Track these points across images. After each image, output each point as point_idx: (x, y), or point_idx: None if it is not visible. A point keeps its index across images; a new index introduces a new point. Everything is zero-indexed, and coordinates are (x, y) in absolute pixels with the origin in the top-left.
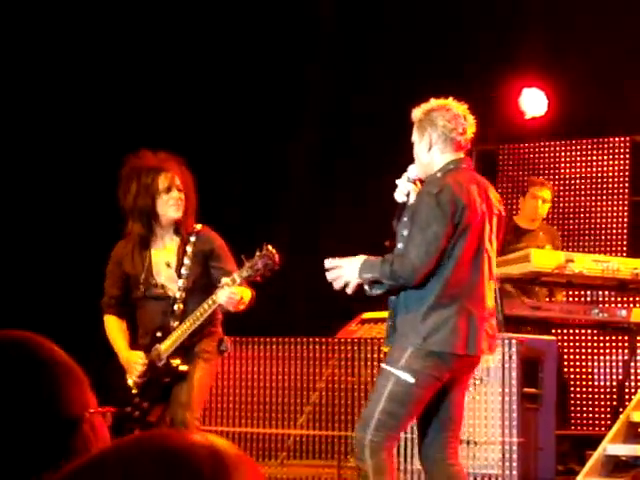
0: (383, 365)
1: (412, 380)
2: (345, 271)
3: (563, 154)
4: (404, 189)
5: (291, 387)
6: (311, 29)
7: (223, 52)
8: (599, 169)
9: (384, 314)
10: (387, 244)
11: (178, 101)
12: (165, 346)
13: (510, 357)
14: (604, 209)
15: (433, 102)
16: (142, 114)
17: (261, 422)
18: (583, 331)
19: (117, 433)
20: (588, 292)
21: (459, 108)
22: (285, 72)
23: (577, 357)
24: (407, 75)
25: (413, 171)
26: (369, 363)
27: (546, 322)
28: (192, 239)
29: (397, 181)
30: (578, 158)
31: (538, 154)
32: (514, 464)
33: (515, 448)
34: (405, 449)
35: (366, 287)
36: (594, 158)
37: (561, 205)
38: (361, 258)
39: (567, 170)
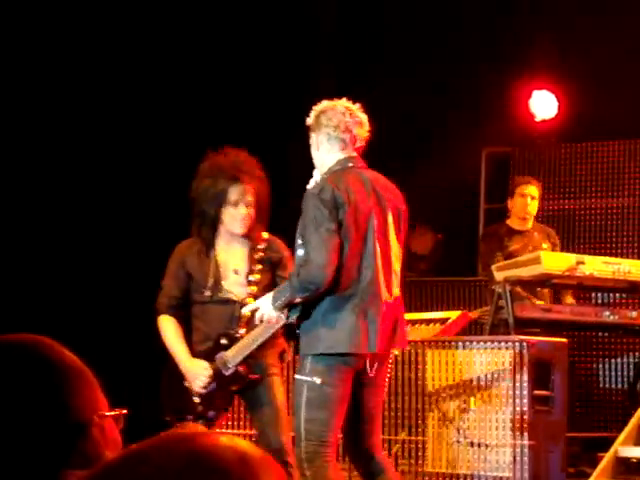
0: (295, 376)
1: (319, 381)
2: (262, 309)
3: (574, 156)
4: None
5: None
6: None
7: (230, 48)
8: (609, 171)
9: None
10: None
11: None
12: (232, 354)
13: (521, 359)
14: (615, 211)
15: (322, 104)
16: (158, 114)
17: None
18: (594, 333)
19: None
20: (599, 294)
21: (344, 106)
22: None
23: (588, 359)
24: (418, 77)
25: (317, 175)
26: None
27: (557, 324)
28: (261, 246)
29: (307, 186)
30: (589, 160)
31: (549, 156)
32: (525, 467)
33: (526, 450)
34: (417, 452)
35: (282, 316)
36: (604, 160)
37: (571, 207)
38: (267, 296)
39: (578, 172)
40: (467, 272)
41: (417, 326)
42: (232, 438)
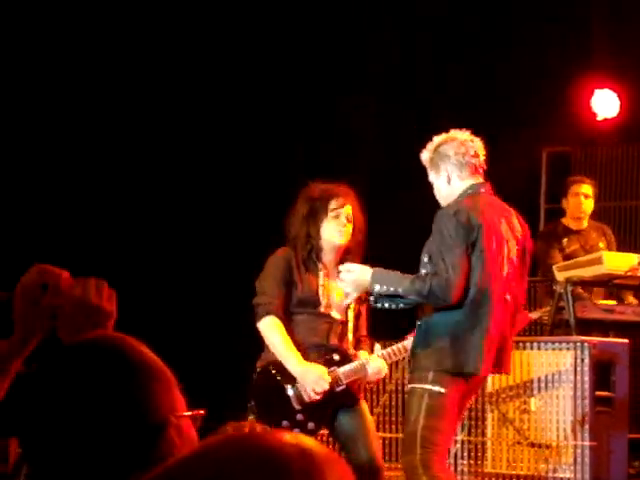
0: (412, 385)
1: (444, 390)
2: (357, 276)
3: (635, 155)
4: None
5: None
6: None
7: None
8: None
9: None
10: None
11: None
12: (345, 372)
13: (582, 360)
14: None
15: (437, 138)
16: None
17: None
18: None
19: None
20: None
21: (463, 135)
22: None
23: None
24: (481, 77)
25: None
26: None
27: (619, 325)
28: None
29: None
30: None
31: (610, 156)
32: (586, 467)
33: (587, 452)
34: (476, 452)
35: (371, 298)
36: None
37: (632, 206)
38: (369, 269)
39: (638, 171)
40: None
41: None
42: (296, 436)
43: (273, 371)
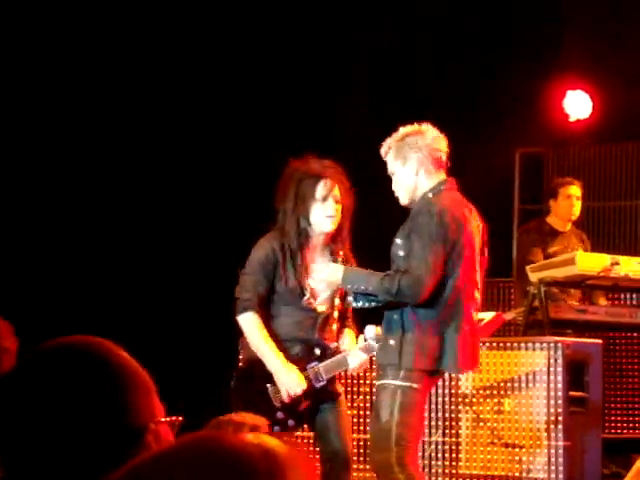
0: (383, 381)
1: (416, 385)
2: (328, 274)
3: (607, 156)
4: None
5: None
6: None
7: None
8: None
9: None
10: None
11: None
12: (326, 367)
13: (556, 360)
14: None
15: (403, 129)
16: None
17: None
18: (629, 334)
19: None
20: (634, 295)
21: (432, 129)
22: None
23: (623, 360)
24: (451, 79)
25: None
26: None
27: (592, 325)
28: (341, 258)
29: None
30: (623, 160)
31: (583, 156)
32: (560, 468)
33: (561, 452)
34: (451, 453)
35: (349, 298)
36: (639, 160)
37: (606, 207)
38: (340, 266)
39: (611, 172)
40: (502, 273)
41: None
42: (259, 436)
43: (254, 369)
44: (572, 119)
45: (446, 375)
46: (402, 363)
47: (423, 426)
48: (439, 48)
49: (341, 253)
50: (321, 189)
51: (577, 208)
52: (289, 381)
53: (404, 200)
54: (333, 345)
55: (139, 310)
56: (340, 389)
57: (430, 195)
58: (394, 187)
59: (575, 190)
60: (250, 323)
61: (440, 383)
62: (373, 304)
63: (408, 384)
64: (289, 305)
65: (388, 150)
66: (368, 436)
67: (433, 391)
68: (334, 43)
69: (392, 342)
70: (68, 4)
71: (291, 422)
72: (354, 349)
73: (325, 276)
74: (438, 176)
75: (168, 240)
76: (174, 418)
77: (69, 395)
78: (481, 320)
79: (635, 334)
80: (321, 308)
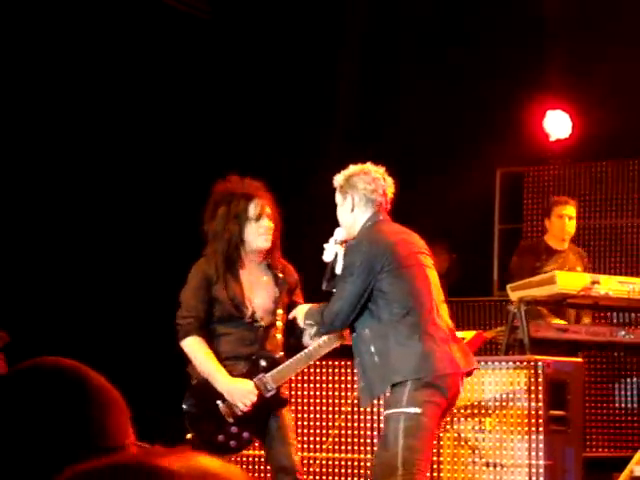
0: (387, 411)
1: (420, 410)
2: (297, 313)
3: (588, 175)
4: (332, 251)
5: (316, 411)
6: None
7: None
8: (624, 190)
9: None
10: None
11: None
12: (274, 376)
13: (536, 379)
14: (629, 230)
15: (352, 168)
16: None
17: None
18: (609, 353)
19: None
20: (614, 314)
21: (377, 172)
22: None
23: (604, 379)
24: (432, 97)
25: (340, 234)
26: None
27: (572, 344)
28: (279, 270)
29: (325, 245)
30: (603, 179)
31: (563, 176)
32: None
33: (542, 471)
34: (432, 472)
35: (310, 334)
36: (619, 179)
37: (586, 226)
38: (305, 306)
39: (592, 191)
40: (481, 292)
41: None
42: (190, 455)
43: (203, 389)
44: (552, 139)
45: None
46: (397, 387)
47: (429, 449)
48: (422, 66)
49: (279, 268)
50: (254, 208)
51: (570, 227)
52: (240, 394)
53: (345, 235)
54: (279, 355)
55: (110, 333)
56: (287, 397)
57: (362, 231)
58: (338, 218)
59: (568, 210)
60: (193, 346)
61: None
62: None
63: (411, 410)
64: (229, 323)
65: (336, 184)
66: (348, 456)
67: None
68: (317, 66)
69: (373, 374)
70: (67, 9)
71: (245, 434)
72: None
73: (298, 312)
74: (371, 214)
75: (124, 264)
76: (143, 443)
77: (44, 415)
78: (462, 339)
79: (616, 353)
80: (262, 323)
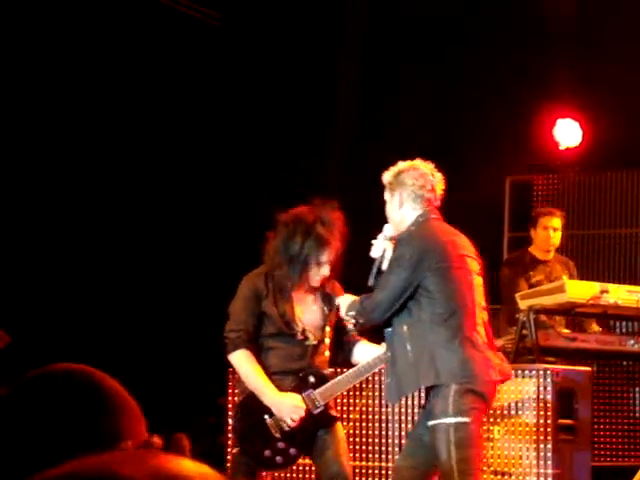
0: (434, 422)
1: (468, 419)
2: (340, 308)
3: (597, 184)
4: (380, 247)
5: None
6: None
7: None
8: (633, 199)
9: None
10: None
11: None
12: (322, 394)
13: (545, 388)
14: (637, 239)
15: (400, 164)
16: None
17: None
18: (618, 362)
19: (250, 477)
20: (623, 323)
21: (426, 167)
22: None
23: (612, 388)
24: (443, 106)
25: (389, 230)
26: None
27: (581, 353)
28: (329, 290)
29: (373, 241)
30: (612, 188)
31: (573, 184)
32: None
33: None
34: None
35: (351, 325)
36: (628, 188)
37: (595, 235)
38: (349, 297)
39: (601, 200)
40: (491, 300)
41: None
42: (165, 459)
43: (250, 403)
44: (562, 147)
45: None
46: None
47: (480, 455)
48: (430, 76)
49: (328, 288)
50: (324, 255)
51: (555, 239)
52: (288, 408)
53: (393, 231)
54: (327, 371)
55: (129, 336)
56: (336, 414)
57: (412, 228)
58: (387, 215)
59: (554, 222)
60: (242, 360)
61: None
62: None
63: (459, 419)
64: (278, 338)
65: (385, 182)
66: (357, 463)
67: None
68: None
69: (411, 360)
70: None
71: (293, 451)
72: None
73: (341, 303)
74: (421, 211)
75: (154, 268)
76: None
77: (57, 420)
78: (501, 347)
79: (624, 362)
80: (311, 341)
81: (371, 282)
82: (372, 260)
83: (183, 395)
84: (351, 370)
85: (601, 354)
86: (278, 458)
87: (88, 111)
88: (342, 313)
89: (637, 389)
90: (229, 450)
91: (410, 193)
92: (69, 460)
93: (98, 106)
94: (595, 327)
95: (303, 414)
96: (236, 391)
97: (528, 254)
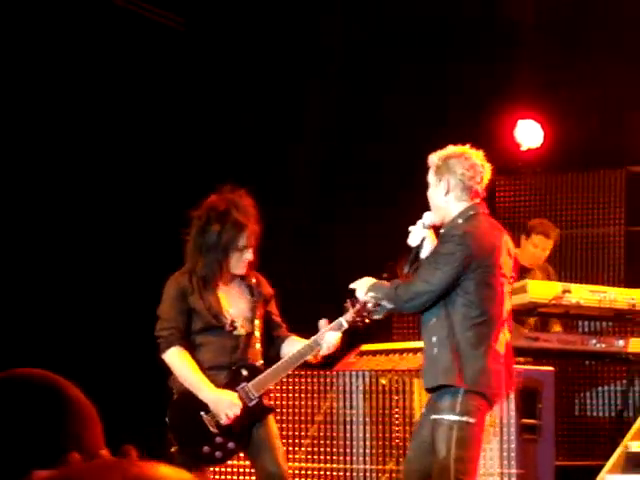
0: (438, 416)
1: (473, 420)
2: (358, 285)
3: (559, 185)
4: (419, 235)
5: (289, 420)
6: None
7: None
8: (594, 200)
9: (383, 346)
10: (385, 276)
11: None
12: (255, 385)
13: None
14: (600, 239)
15: (451, 149)
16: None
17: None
18: (581, 361)
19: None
20: (585, 322)
21: (477, 157)
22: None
23: (575, 387)
24: (403, 108)
25: (428, 218)
26: (367, 395)
27: (544, 353)
28: (254, 283)
29: (411, 227)
30: (574, 189)
31: (534, 185)
32: None
33: (514, 479)
34: None
35: (370, 307)
36: (589, 189)
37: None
38: (370, 279)
39: (563, 201)
40: None
41: (404, 355)
42: (142, 466)
43: (185, 401)
44: (523, 148)
45: (399, 403)
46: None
47: (478, 458)
48: (392, 77)
49: (253, 280)
50: (243, 239)
51: (539, 259)
52: (225, 404)
53: (435, 218)
54: (259, 363)
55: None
56: (270, 404)
57: (460, 221)
58: (429, 199)
59: (549, 245)
60: (176, 357)
61: (393, 411)
62: (380, 315)
63: (464, 419)
64: (208, 332)
65: (431, 164)
66: (321, 465)
67: (387, 419)
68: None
69: (435, 353)
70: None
71: (231, 445)
72: (323, 332)
73: (359, 284)
74: (468, 202)
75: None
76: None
77: (16, 426)
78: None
79: (587, 361)
80: (240, 331)
81: (407, 270)
82: (408, 248)
83: (138, 398)
84: (282, 360)
85: (564, 354)
86: (217, 453)
87: (46, 115)
88: (360, 293)
89: (600, 388)
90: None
91: (459, 182)
92: (28, 467)
93: (57, 110)
94: (557, 328)
95: (239, 412)
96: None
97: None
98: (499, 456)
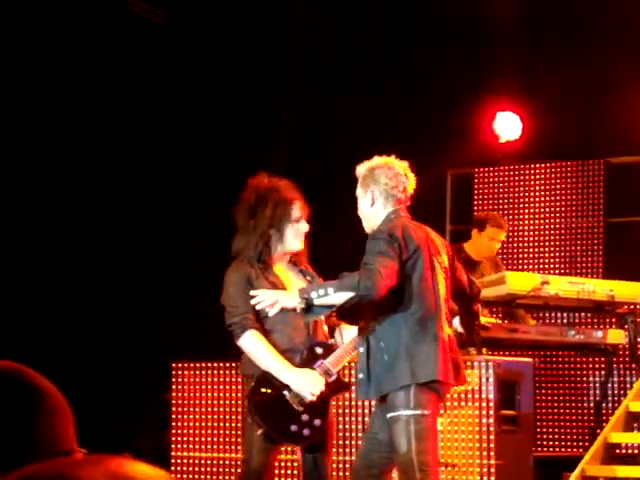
0: (394, 413)
1: (428, 412)
2: (282, 297)
3: (538, 177)
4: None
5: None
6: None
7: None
8: (574, 191)
9: None
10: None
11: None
12: (332, 362)
13: (487, 379)
14: (579, 231)
15: (376, 160)
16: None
17: (222, 447)
18: (559, 353)
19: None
20: (564, 314)
21: (401, 166)
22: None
23: (554, 379)
24: (385, 97)
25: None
26: None
27: (522, 344)
28: (304, 269)
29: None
30: (553, 181)
31: (513, 177)
32: None
33: (493, 470)
34: None
35: (300, 307)
36: (568, 180)
37: (536, 227)
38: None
39: (542, 193)
40: None
41: None
42: (120, 463)
43: (265, 383)
44: (502, 140)
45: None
46: (401, 383)
47: (437, 448)
48: (372, 70)
49: (304, 265)
50: (297, 211)
51: (495, 250)
52: (308, 383)
53: (365, 228)
54: (330, 341)
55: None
56: (346, 380)
57: (382, 226)
58: (358, 212)
59: (502, 236)
60: (252, 341)
61: (373, 402)
62: (327, 310)
63: (419, 411)
64: (280, 315)
65: (358, 175)
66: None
67: (367, 411)
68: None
69: (386, 358)
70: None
71: (317, 421)
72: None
73: (277, 297)
74: (392, 208)
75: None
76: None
77: None
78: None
79: (565, 352)
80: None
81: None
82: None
83: (127, 392)
84: (350, 340)
85: (542, 345)
86: (305, 431)
87: (29, 111)
88: (294, 299)
89: (578, 379)
90: (172, 447)
91: (382, 192)
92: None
93: (40, 105)
94: (530, 321)
95: (323, 387)
96: (241, 374)
97: (463, 252)
98: (478, 447)
